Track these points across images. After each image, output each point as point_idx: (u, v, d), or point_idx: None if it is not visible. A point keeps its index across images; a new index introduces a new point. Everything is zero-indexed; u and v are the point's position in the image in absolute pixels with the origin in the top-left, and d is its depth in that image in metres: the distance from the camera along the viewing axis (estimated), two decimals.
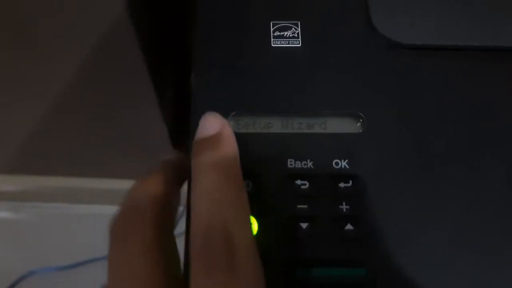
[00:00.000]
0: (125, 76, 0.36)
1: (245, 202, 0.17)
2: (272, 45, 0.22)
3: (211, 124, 0.19)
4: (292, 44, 0.22)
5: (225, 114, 0.21)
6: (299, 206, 0.19)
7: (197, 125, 0.20)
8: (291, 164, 0.20)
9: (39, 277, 0.53)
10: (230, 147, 0.19)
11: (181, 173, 0.21)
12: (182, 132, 0.47)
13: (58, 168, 0.52)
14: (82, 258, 0.52)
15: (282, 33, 0.22)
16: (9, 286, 0.52)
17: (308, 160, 0.20)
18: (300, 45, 0.22)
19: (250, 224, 0.17)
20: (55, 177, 0.53)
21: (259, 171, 0.20)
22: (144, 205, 0.19)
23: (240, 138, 0.20)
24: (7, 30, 0.31)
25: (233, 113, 0.21)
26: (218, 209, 0.17)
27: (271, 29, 0.22)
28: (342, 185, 0.20)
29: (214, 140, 0.19)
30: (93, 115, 0.42)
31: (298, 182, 0.20)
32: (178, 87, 0.46)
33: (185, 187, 0.20)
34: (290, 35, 0.22)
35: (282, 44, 0.22)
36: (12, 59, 0.34)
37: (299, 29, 0.22)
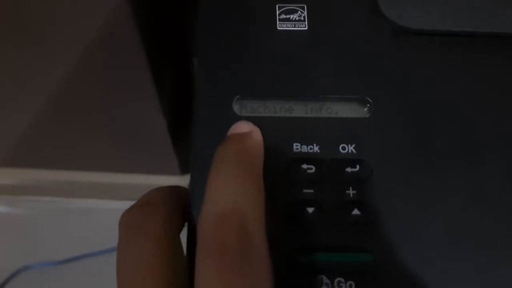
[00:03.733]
0: (123, 70, 0.36)
1: (263, 202, 0.17)
2: (278, 28, 0.21)
3: (243, 125, 0.19)
4: (298, 27, 0.21)
5: (229, 98, 0.20)
6: (305, 190, 0.19)
7: (201, 107, 0.20)
8: (297, 148, 0.20)
9: (35, 272, 0.52)
10: (257, 146, 0.19)
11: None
12: (181, 126, 0.46)
13: (55, 162, 0.51)
14: (78, 252, 0.51)
15: (288, 16, 0.22)
16: (4, 281, 0.52)
17: (315, 145, 0.20)
18: (306, 28, 0.21)
19: (264, 224, 0.16)
20: (51, 171, 0.53)
21: (264, 155, 0.19)
22: (157, 202, 0.18)
23: None
24: (5, 25, 0.30)
25: (237, 96, 0.20)
26: (236, 197, 0.16)
27: (277, 12, 0.22)
28: (349, 170, 0.19)
29: (244, 136, 0.19)
30: (90, 109, 0.42)
31: (304, 166, 0.19)
32: (177, 81, 0.45)
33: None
34: (296, 18, 0.22)
35: (288, 27, 0.21)
36: (9, 53, 0.34)
37: (306, 12, 0.22)
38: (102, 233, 0.48)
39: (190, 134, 0.20)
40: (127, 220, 0.18)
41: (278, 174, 0.19)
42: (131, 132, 0.46)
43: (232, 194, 0.16)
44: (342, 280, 0.18)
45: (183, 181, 0.50)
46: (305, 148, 0.20)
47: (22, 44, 0.33)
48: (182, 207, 0.19)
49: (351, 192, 0.19)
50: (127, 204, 0.19)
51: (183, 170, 0.50)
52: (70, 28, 0.31)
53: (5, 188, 0.54)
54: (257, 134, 0.19)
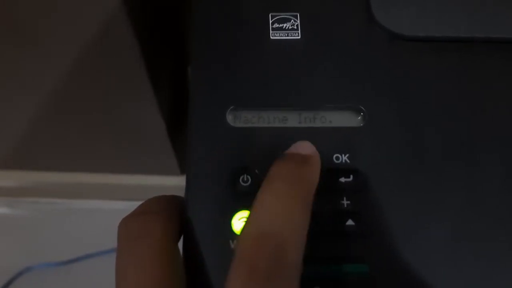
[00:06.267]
0: (121, 70, 0.36)
1: (306, 231, 0.17)
2: (271, 38, 0.21)
3: (306, 146, 0.19)
4: (291, 36, 0.21)
5: (223, 108, 0.20)
6: None
7: (194, 119, 0.20)
8: None
9: (37, 273, 0.53)
10: (315, 172, 0.18)
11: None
12: (180, 125, 0.46)
13: (55, 163, 0.51)
14: (79, 253, 0.52)
15: (281, 25, 0.22)
16: (6, 282, 0.52)
17: None
18: (299, 37, 0.21)
19: (303, 250, 0.16)
20: (52, 173, 0.53)
21: (259, 166, 0.19)
22: (155, 211, 0.19)
23: (239, 132, 0.20)
24: (4, 25, 0.30)
25: (231, 107, 0.20)
26: (280, 221, 0.16)
27: (270, 21, 0.22)
28: (342, 179, 0.19)
29: (305, 158, 0.18)
30: (90, 109, 0.42)
31: None
32: (175, 81, 0.45)
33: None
34: (290, 27, 0.22)
35: (282, 36, 0.21)
36: (9, 54, 0.34)
37: (299, 21, 0.22)
38: (103, 233, 0.48)
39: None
40: (126, 228, 0.18)
41: None
42: (130, 133, 0.46)
43: (278, 217, 0.16)
44: None
45: (182, 181, 0.50)
46: None
47: (22, 44, 0.33)
48: (180, 217, 0.19)
49: (345, 202, 0.19)
50: (128, 205, 0.19)
51: (183, 171, 0.50)
52: (69, 28, 0.31)
53: (6, 190, 0.54)
54: (317, 160, 0.19)
